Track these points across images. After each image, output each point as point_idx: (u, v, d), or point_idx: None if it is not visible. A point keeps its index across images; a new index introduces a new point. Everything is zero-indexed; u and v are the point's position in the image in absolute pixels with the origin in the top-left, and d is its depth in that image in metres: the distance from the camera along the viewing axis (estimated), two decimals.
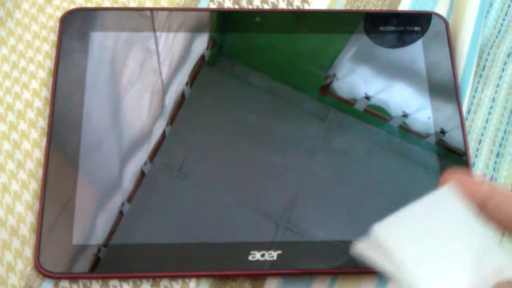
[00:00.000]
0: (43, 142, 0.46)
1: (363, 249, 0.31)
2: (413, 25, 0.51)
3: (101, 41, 0.49)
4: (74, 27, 0.49)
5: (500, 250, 0.30)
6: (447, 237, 0.30)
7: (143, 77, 0.48)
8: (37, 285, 0.43)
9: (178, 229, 0.44)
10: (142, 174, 0.45)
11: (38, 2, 0.51)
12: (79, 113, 0.46)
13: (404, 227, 0.30)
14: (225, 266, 0.43)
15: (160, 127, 0.47)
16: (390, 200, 0.46)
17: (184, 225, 0.44)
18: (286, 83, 0.49)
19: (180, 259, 0.43)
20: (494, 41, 0.52)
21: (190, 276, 0.43)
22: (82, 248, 0.43)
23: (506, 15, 0.53)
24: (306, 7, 0.53)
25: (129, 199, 0.44)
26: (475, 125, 0.49)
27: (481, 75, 0.51)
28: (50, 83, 0.48)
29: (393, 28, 0.51)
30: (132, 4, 0.52)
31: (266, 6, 0.52)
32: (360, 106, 0.49)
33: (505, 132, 0.49)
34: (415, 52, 0.50)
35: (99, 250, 0.43)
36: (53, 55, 0.49)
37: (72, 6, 0.51)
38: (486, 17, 0.53)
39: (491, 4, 0.53)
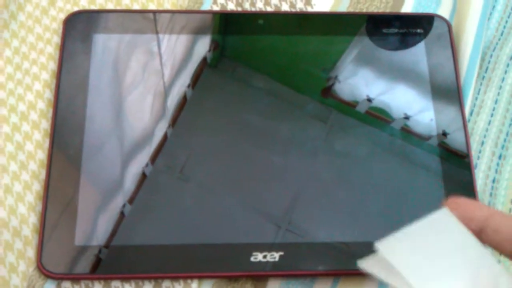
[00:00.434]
0: (46, 144, 0.47)
1: (369, 266, 0.33)
2: (415, 27, 0.51)
3: (104, 43, 0.49)
4: (78, 29, 0.49)
5: (495, 263, 0.31)
6: (446, 254, 0.31)
7: (146, 79, 0.48)
8: (39, 286, 0.43)
9: (180, 230, 0.44)
10: (144, 175, 0.45)
11: (41, 4, 0.51)
12: (82, 114, 0.46)
13: (406, 245, 0.31)
14: (227, 267, 0.43)
15: (162, 129, 0.47)
16: (391, 202, 0.46)
17: (186, 226, 0.44)
18: (288, 85, 0.49)
19: (182, 260, 0.43)
20: (497, 43, 0.52)
21: (192, 277, 0.43)
22: (84, 249, 0.43)
23: (509, 17, 0.53)
24: (309, 9, 0.53)
25: (131, 200, 0.44)
26: (477, 127, 0.49)
27: (483, 77, 0.51)
28: (53, 85, 0.48)
29: (395, 30, 0.51)
30: (135, 7, 0.52)
31: (269, 9, 0.53)
32: (362, 108, 0.49)
33: (507, 134, 0.49)
34: (417, 54, 0.50)
35: (101, 251, 0.43)
36: (57, 57, 0.49)
37: (76, 9, 0.51)
38: (489, 19, 0.52)
39: (494, 7, 0.53)
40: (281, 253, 0.43)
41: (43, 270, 0.42)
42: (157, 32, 0.50)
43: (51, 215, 0.43)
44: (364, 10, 0.53)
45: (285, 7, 0.53)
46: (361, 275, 0.43)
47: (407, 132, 0.48)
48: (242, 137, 0.47)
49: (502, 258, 0.45)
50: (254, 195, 0.45)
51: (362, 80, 0.49)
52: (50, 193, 0.44)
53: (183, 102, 0.48)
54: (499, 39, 0.52)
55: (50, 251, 0.43)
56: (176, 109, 0.48)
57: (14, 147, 0.46)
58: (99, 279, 0.43)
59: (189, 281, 0.43)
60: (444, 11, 0.53)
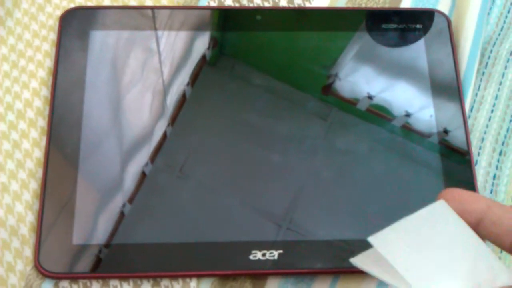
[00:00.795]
0: (43, 142, 0.46)
1: (361, 262, 0.32)
2: (415, 22, 0.51)
3: (101, 40, 0.49)
4: (74, 26, 0.49)
5: (493, 258, 0.30)
6: (442, 247, 0.30)
7: (144, 77, 0.48)
8: (37, 285, 0.42)
9: (179, 228, 0.44)
10: (143, 174, 0.45)
11: (37, 1, 0.51)
12: (79, 112, 0.46)
13: (400, 238, 0.31)
14: (226, 266, 0.43)
15: (161, 127, 0.47)
16: (392, 199, 0.45)
17: (185, 225, 0.44)
18: (287, 82, 0.49)
19: (181, 259, 0.43)
20: (496, 39, 0.52)
21: (191, 276, 0.43)
22: (82, 248, 0.42)
23: (508, 12, 0.53)
24: (307, 5, 0.53)
25: (130, 199, 0.44)
26: (477, 123, 0.49)
27: (483, 73, 0.51)
28: (50, 83, 0.48)
29: (395, 25, 0.51)
30: (132, 3, 0.52)
31: (266, 4, 0.52)
32: (362, 106, 0.48)
33: (508, 130, 0.49)
34: (417, 50, 0.50)
35: (99, 250, 0.42)
36: (53, 54, 0.49)
37: (72, 5, 0.51)
38: (488, 14, 0.52)
39: (493, 2, 0.53)
40: (281, 251, 0.43)
41: (40, 269, 0.42)
42: (155, 29, 0.49)
43: (49, 214, 0.43)
44: (363, 5, 0.53)
45: (283, 3, 0.52)
46: (361, 273, 0.43)
47: (408, 130, 0.48)
48: (241, 135, 0.47)
49: (503, 254, 0.45)
50: (253, 193, 0.45)
51: (362, 77, 0.49)
52: (47, 192, 0.44)
53: (182, 101, 0.48)
54: (499, 34, 0.52)
55: (48, 250, 0.42)
56: (175, 108, 0.47)
57: (11, 145, 0.46)
58: (97, 278, 0.43)
59: (188, 279, 0.43)
60: (443, 6, 0.53)
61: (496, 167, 0.48)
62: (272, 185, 0.45)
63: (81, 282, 0.43)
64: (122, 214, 0.44)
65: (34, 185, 0.45)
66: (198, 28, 0.50)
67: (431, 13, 0.51)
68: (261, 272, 0.43)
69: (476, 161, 0.48)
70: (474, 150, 0.48)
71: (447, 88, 0.49)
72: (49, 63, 0.49)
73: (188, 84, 0.48)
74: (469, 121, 0.49)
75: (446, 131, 0.47)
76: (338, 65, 0.50)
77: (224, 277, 0.43)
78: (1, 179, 0.45)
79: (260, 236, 0.44)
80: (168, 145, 0.46)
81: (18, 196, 0.45)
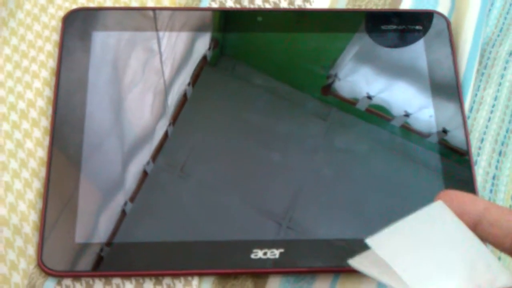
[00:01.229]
0: (46, 142, 0.46)
1: (359, 263, 0.32)
2: (414, 24, 0.51)
3: (104, 41, 0.49)
4: (77, 27, 0.49)
5: (493, 259, 0.30)
6: (440, 248, 0.30)
7: (146, 77, 0.48)
8: (40, 284, 0.43)
9: (180, 227, 0.44)
10: (145, 173, 0.45)
11: (40, 2, 0.51)
12: (82, 112, 0.46)
13: (398, 240, 0.31)
14: (228, 264, 0.43)
15: (162, 127, 0.47)
16: (392, 199, 0.46)
17: (187, 224, 0.44)
18: (287, 82, 0.49)
19: (183, 257, 0.43)
20: (496, 40, 0.52)
21: (192, 274, 0.43)
22: (85, 247, 0.43)
23: (508, 13, 0.53)
24: (308, 6, 0.53)
25: (132, 198, 0.44)
26: (477, 123, 0.49)
27: (483, 74, 0.51)
28: (52, 83, 0.48)
29: (394, 27, 0.51)
30: (134, 4, 0.52)
31: (267, 6, 0.53)
32: (361, 106, 0.49)
33: (507, 130, 0.49)
34: (416, 51, 0.50)
35: (102, 249, 0.43)
36: (56, 55, 0.49)
37: (74, 6, 0.51)
38: (487, 15, 0.53)
39: (492, 3, 0.53)
40: (282, 250, 0.43)
41: (43, 267, 0.42)
42: (156, 30, 0.50)
43: (52, 212, 0.43)
44: (363, 7, 0.53)
45: (284, 4, 0.53)
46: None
47: (407, 130, 0.48)
48: (242, 135, 0.47)
49: (502, 255, 0.45)
50: (254, 192, 0.45)
51: (361, 78, 0.50)
52: (50, 191, 0.44)
53: (184, 100, 0.48)
54: (498, 36, 0.52)
55: (51, 248, 0.43)
56: (177, 107, 0.48)
57: (14, 145, 0.46)
58: (100, 276, 0.43)
59: (189, 278, 0.43)
60: (443, 7, 0.53)
61: (496, 168, 0.48)
62: (273, 184, 0.46)
63: (83, 280, 0.43)
64: (124, 213, 0.44)
65: (37, 184, 0.45)
66: (199, 29, 0.50)
67: (431, 14, 0.52)
68: (262, 271, 0.43)
69: (476, 161, 0.48)
70: (473, 150, 0.48)
71: (447, 89, 0.49)
72: (52, 63, 0.49)
73: (189, 84, 0.48)
74: (469, 122, 0.49)
75: (445, 131, 0.48)
76: (337, 65, 0.50)
77: (225, 276, 0.44)
78: (4, 178, 0.45)
79: (261, 235, 0.44)
80: (169, 145, 0.46)
81: (21, 195, 0.45)
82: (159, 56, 0.49)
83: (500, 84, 0.50)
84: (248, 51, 0.51)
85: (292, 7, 0.53)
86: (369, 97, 0.49)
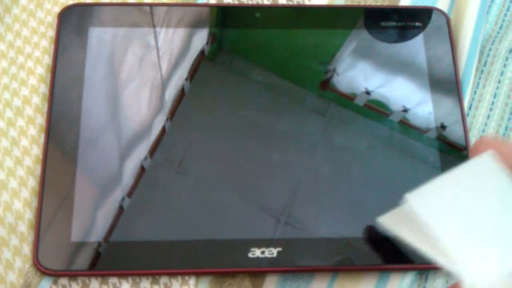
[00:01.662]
0: (42, 139, 0.46)
1: (391, 222, 0.29)
2: (414, 20, 0.51)
3: (100, 37, 0.48)
4: (73, 23, 0.49)
5: None
6: (488, 211, 0.27)
7: (143, 73, 0.48)
8: (36, 283, 0.42)
9: (177, 226, 0.44)
10: (142, 169, 0.45)
11: None
12: (78, 109, 0.46)
13: (440, 197, 0.27)
14: (225, 263, 0.43)
15: (160, 122, 0.47)
16: (390, 195, 0.45)
17: (184, 222, 0.44)
18: (286, 78, 0.49)
19: (180, 256, 0.43)
20: (495, 37, 0.52)
21: (189, 273, 0.43)
22: (80, 245, 0.42)
23: (508, 10, 0.53)
24: (307, 2, 0.52)
25: (129, 194, 0.44)
26: (476, 121, 0.49)
27: (482, 71, 0.51)
28: (48, 79, 0.48)
29: (393, 23, 0.51)
30: (131, 0, 0.52)
31: (266, 2, 0.52)
32: (360, 101, 0.48)
33: (506, 128, 0.49)
34: (416, 47, 0.50)
35: (98, 247, 0.42)
36: (51, 51, 0.49)
37: (71, 2, 0.51)
38: (487, 12, 0.52)
39: (492, 0, 0.53)
40: (279, 249, 0.43)
41: (39, 266, 0.42)
42: (153, 26, 0.49)
43: (47, 211, 0.43)
44: (362, 3, 0.53)
45: (282, 0, 0.52)
46: (360, 270, 0.44)
47: (406, 125, 0.48)
48: (240, 131, 0.47)
49: None
50: (252, 188, 0.45)
51: (360, 73, 0.49)
52: (45, 189, 0.44)
53: (181, 96, 0.48)
54: (498, 33, 0.52)
55: (46, 247, 0.42)
56: (174, 103, 0.47)
57: (9, 142, 0.46)
58: (96, 275, 0.43)
59: (186, 277, 0.43)
60: (442, 4, 0.53)
61: None
62: (271, 181, 0.45)
63: (80, 279, 0.43)
64: (120, 211, 0.44)
65: (33, 182, 0.45)
66: (197, 24, 0.50)
67: (430, 10, 0.51)
68: (260, 270, 0.43)
69: None
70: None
71: (446, 85, 0.49)
72: (47, 60, 0.49)
73: (186, 79, 0.48)
74: (468, 119, 0.49)
75: (444, 127, 0.47)
76: (336, 60, 0.50)
77: (223, 275, 0.43)
78: None
79: (259, 233, 0.44)
80: (166, 140, 0.46)
81: (17, 193, 0.45)
82: (156, 51, 0.49)
83: (499, 82, 0.50)
84: (246, 46, 0.51)
85: (290, 3, 0.52)
86: (368, 92, 0.49)
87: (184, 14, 0.50)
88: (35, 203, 0.44)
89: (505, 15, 0.53)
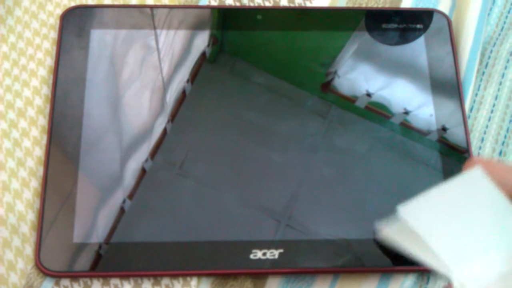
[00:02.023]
0: (44, 140, 0.46)
1: (388, 233, 0.30)
2: (415, 22, 0.51)
3: (102, 39, 0.48)
4: (75, 25, 0.49)
5: None
6: (478, 220, 0.28)
7: (144, 74, 0.48)
8: (38, 284, 0.42)
9: (179, 227, 0.44)
10: (143, 171, 0.45)
11: (38, 0, 0.51)
12: (80, 110, 0.46)
13: (432, 209, 0.29)
14: (227, 265, 0.43)
15: (161, 124, 0.47)
16: (391, 197, 0.46)
17: (185, 223, 0.44)
18: (287, 80, 0.49)
19: (181, 258, 0.43)
20: (496, 39, 0.52)
21: (191, 275, 0.43)
22: (82, 246, 0.42)
23: (509, 12, 0.53)
24: (308, 4, 0.52)
25: (130, 196, 0.44)
26: (477, 123, 0.49)
27: (483, 73, 0.51)
28: (50, 81, 0.48)
29: (395, 25, 0.51)
30: (133, 1, 0.52)
31: (267, 4, 0.52)
32: (361, 103, 0.49)
33: (507, 130, 0.49)
34: (417, 50, 0.50)
35: (100, 248, 0.42)
36: (54, 52, 0.49)
37: (73, 4, 0.51)
38: (489, 14, 0.52)
39: (494, 2, 0.53)
40: (281, 250, 0.43)
41: (41, 267, 0.42)
42: (155, 27, 0.49)
43: (49, 212, 0.43)
44: (363, 5, 0.53)
45: (284, 2, 0.52)
46: (361, 272, 0.44)
47: (407, 127, 0.48)
48: (241, 133, 0.47)
49: None
50: (253, 190, 0.45)
51: (361, 75, 0.49)
52: (48, 190, 0.44)
53: (182, 98, 0.48)
54: (499, 35, 0.52)
55: (49, 248, 0.42)
56: (175, 105, 0.47)
57: (12, 143, 0.46)
58: (98, 276, 0.43)
59: (188, 278, 0.43)
60: (444, 6, 0.53)
61: None
62: (272, 182, 0.46)
63: (81, 280, 0.43)
64: (122, 212, 0.44)
65: (35, 183, 0.45)
66: (198, 26, 0.50)
67: (431, 13, 0.51)
68: (262, 271, 0.43)
69: None
70: (474, 150, 0.48)
71: (447, 87, 0.49)
72: (49, 61, 0.49)
73: (188, 81, 0.48)
74: (469, 121, 0.49)
75: (445, 129, 0.47)
76: (337, 62, 0.50)
77: (224, 276, 0.43)
78: (1, 177, 0.45)
79: (261, 235, 0.44)
80: (168, 142, 0.46)
81: (19, 194, 0.45)
82: (158, 53, 0.49)
83: (500, 84, 0.50)
84: (247, 48, 0.51)
85: (292, 5, 0.52)
86: (369, 95, 0.49)
87: (185, 16, 0.50)
88: (37, 204, 0.44)
89: (506, 17, 0.53)
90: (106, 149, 0.45)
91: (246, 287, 0.43)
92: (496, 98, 0.50)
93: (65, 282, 0.43)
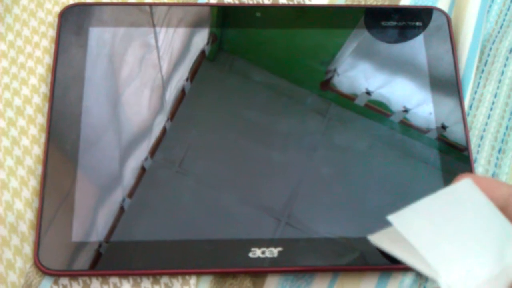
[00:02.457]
0: (42, 139, 0.46)
1: (379, 240, 0.31)
2: (414, 20, 0.51)
3: (100, 37, 0.48)
4: (73, 23, 0.49)
5: None
6: (467, 228, 0.29)
7: (143, 73, 0.48)
8: (37, 283, 0.42)
9: (178, 225, 0.44)
10: (143, 169, 0.45)
11: None
12: (78, 109, 0.46)
13: (421, 216, 0.29)
14: (226, 263, 0.43)
15: (160, 122, 0.46)
16: (391, 195, 0.46)
17: (185, 222, 0.44)
18: (286, 78, 0.49)
19: (181, 256, 0.43)
20: (496, 36, 0.52)
21: (190, 273, 0.43)
22: (81, 245, 0.42)
23: (508, 10, 0.53)
24: (307, 2, 0.52)
25: (129, 194, 0.44)
26: (477, 120, 0.49)
27: (483, 71, 0.51)
28: (49, 79, 0.48)
29: (394, 23, 0.51)
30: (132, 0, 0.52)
31: (266, 1, 0.52)
32: (360, 101, 0.48)
33: (507, 127, 0.49)
34: (416, 47, 0.50)
35: (99, 247, 0.42)
36: (52, 50, 0.49)
37: (71, 2, 0.51)
38: (488, 12, 0.52)
39: None
40: (280, 248, 0.43)
41: (40, 266, 0.42)
42: (154, 25, 0.49)
43: (48, 211, 0.43)
44: (363, 3, 0.53)
45: (283, 0, 0.52)
46: (360, 270, 0.44)
47: (406, 125, 0.48)
48: (240, 131, 0.47)
49: None
50: (252, 189, 0.45)
51: (361, 73, 0.49)
52: (46, 189, 0.44)
53: (182, 96, 0.48)
54: (498, 32, 0.52)
55: (47, 247, 0.42)
56: (175, 103, 0.47)
57: (10, 142, 0.46)
58: (97, 275, 0.43)
59: (187, 277, 0.43)
60: (443, 3, 0.53)
61: (495, 165, 0.48)
62: (271, 181, 0.45)
63: (80, 279, 0.43)
64: (121, 211, 0.44)
65: (34, 182, 0.45)
66: (197, 24, 0.50)
67: (430, 10, 0.51)
68: (261, 270, 0.43)
69: (475, 159, 0.48)
70: (473, 148, 0.48)
71: (447, 85, 0.49)
72: (48, 59, 0.49)
73: (187, 79, 0.48)
74: (468, 119, 0.49)
75: (444, 127, 0.47)
76: (336, 60, 0.50)
77: (223, 275, 0.43)
78: (0, 176, 0.45)
79: (260, 233, 0.44)
80: (167, 140, 0.46)
81: (18, 193, 0.45)
82: (157, 51, 0.49)
83: (500, 81, 0.50)
84: (247, 46, 0.51)
85: (291, 3, 0.52)
86: (368, 93, 0.49)
87: (185, 14, 0.50)
88: (36, 203, 0.44)
89: (506, 14, 0.53)
90: (105, 147, 0.45)
91: (245, 286, 0.43)
92: (495, 95, 0.50)
93: (64, 281, 0.43)
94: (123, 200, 0.44)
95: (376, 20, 0.51)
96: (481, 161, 0.48)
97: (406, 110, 0.48)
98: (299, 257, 0.43)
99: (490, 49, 0.51)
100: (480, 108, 0.49)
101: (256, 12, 0.51)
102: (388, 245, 0.30)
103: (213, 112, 0.48)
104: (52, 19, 0.50)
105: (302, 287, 0.43)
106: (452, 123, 0.47)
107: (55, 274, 0.42)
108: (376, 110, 0.48)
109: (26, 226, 0.44)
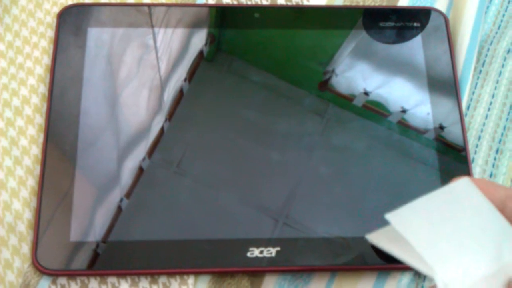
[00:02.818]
0: (41, 139, 0.46)
1: (377, 239, 0.31)
2: (412, 20, 0.51)
3: (99, 37, 0.48)
4: (72, 23, 0.49)
5: None
6: (465, 227, 0.29)
7: (141, 73, 0.48)
8: (35, 282, 0.42)
9: (176, 225, 0.44)
10: (141, 170, 0.45)
11: None
12: (77, 109, 0.46)
13: (418, 214, 0.29)
14: (224, 263, 0.43)
15: (158, 123, 0.47)
16: (388, 195, 0.46)
17: (183, 222, 0.44)
18: (284, 79, 0.49)
19: (179, 256, 0.43)
20: (494, 37, 0.52)
21: (188, 273, 0.43)
22: (79, 245, 0.42)
23: (506, 11, 0.53)
24: (305, 3, 0.52)
25: (127, 194, 0.44)
26: (474, 121, 0.49)
27: (480, 71, 0.51)
28: (47, 79, 0.48)
29: (392, 24, 0.51)
30: (130, 0, 0.51)
31: (264, 2, 0.52)
32: (358, 102, 0.49)
33: (504, 128, 0.49)
34: (414, 48, 0.50)
35: (97, 247, 0.42)
36: (51, 51, 0.49)
37: (70, 2, 0.51)
38: (486, 12, 0.52)
39: (490, 0, 0.53)
40: (278, 248, 0.43)
41: (38, 266, 0.42)
42: (152, 26, 0.49)
43: (46, 211, 0.43)
44: (361, 4, 0.53)
45: (281, 1, 0.52)
46: (358, 270, 0.44)
47: (404, 126, 0.48)
48: (238, 131, 0.47)
49: None
50: (250, 189, 0.45)
51: (359, 74, 0.49)
52: (45, 189, 0.44)
53: (180, 96, 0.48)
54: (496, 33, 0.52)
55: (45, 247, 0.42)
56: (173, 103, 0.47)
57: (8, 142, 0.46)
58: (95, 275, 0.43)
59: (185, 277, 0.43)
60: (441, 4, 0.53)
61: (493, 165, 0.48)
62: (269, 181, 0.46)
63: (78, 279, 0.43)
64: (119, 211, 0.44)
65: (32, 182, 0.45)
66: (196, 25, 0.50)
67: (428, 11, 0.51)
68: (259, 269, 0.43)
69: (473, 159, 0.48)
70: (470, 148, 0.48)
71: (444, 86, 0.49)
72: (46, 60, 0.49)
73: (185, 80, 0.48)
74: (466, 119, 0.49)
75: (442, 128, 0.47)
76: (335, 61, 0.50)
77: (221, 274, 0.43)
78: None
79: (258, 233, 0.44)
80: (165, 141, 0.46)
81: (16, 193, 0.45)
82: (155, 52, 0.49)
83: (497, 82, 0.50)
84: (245, 47, 0.51)
85: (289, 3, 0.52)
86: (366, 93, 0.49)
87: (183, 15, 0.50)
88: (34, 203, 0.44)
89: (503, 15, 0.53)
90: (103, 147, 0.45)
91: (243, 285, 0.43)
92: (493, 96, 0.50)
93: (62, 280, 0.43)
94: (121, 200, 0.44)
95: (374, 20, 0.51)
96: (479, 162, 0.48)
97: (404, 111, 0.48)
98: (297, 257, 0.43)
99: (488, 49, 0.51)
100: (477, 109, 0.49)
101: (254, 12, 0.51)
102: (386, 243, 0.31)
103: (211, 113, 0.48)
104: (51, 19, 0.50)
105: (300, 286, 0.43)
106: (449, 124, 0.48)
107: (53, 274, 0.42)
108: (374, 110, 0.48)
109: (24, 226, 0.44)
